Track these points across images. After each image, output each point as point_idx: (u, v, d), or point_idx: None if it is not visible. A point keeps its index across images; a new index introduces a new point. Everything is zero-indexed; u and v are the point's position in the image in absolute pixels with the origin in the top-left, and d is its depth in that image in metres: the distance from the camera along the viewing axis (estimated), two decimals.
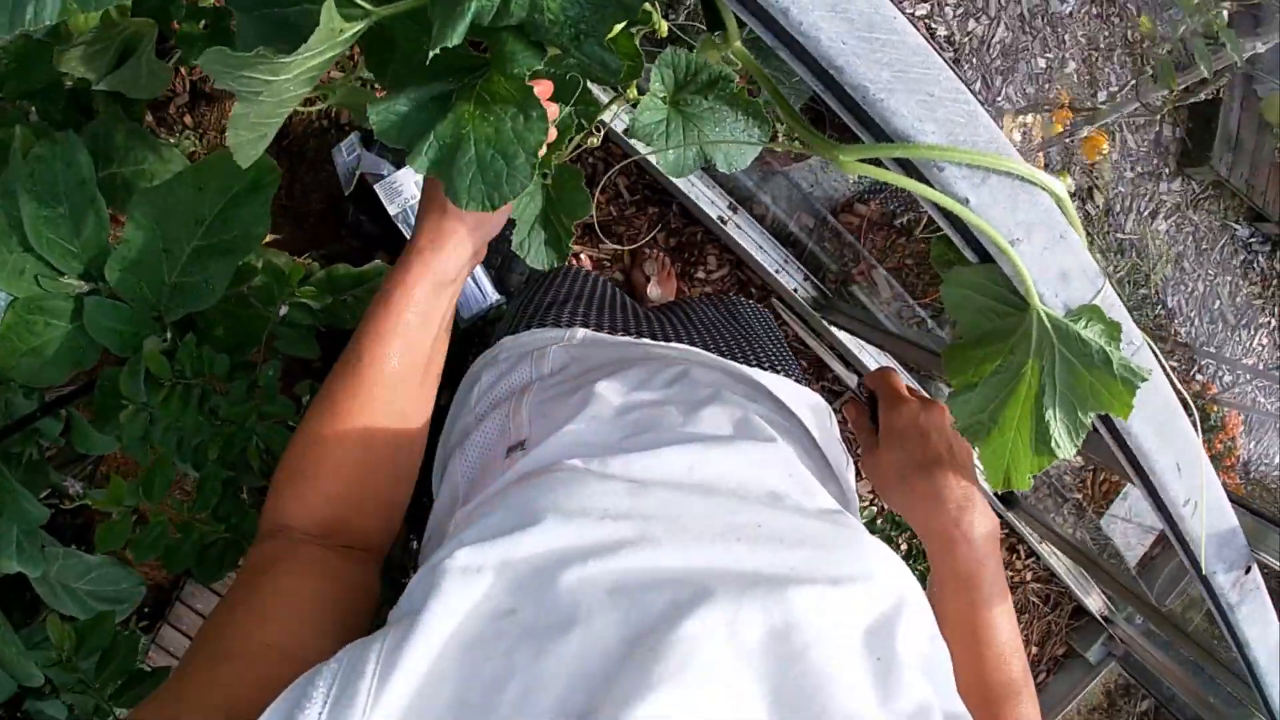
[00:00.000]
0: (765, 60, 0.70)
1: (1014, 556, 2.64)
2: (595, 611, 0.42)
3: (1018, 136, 2.12)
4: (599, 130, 0.73)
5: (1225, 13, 1.52)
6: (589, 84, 0.62)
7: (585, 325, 0.88)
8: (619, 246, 2.15)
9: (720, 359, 0.83)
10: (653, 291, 2.09)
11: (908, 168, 0.45)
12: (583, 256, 2.13)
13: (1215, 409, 2.74)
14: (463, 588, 0.43)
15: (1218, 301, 2.75)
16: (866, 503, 2.44)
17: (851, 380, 2.13)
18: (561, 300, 0.97)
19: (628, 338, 0.87)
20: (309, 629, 0.50)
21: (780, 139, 0.59)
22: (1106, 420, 0.53)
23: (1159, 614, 1.45)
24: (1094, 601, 2.47)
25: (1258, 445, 2.90)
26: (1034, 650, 2.78)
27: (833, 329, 1.87)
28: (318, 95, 0.97)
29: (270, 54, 0.42)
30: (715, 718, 0.37)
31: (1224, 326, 2.78)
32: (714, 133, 0.59)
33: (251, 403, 0.95)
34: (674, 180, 1.85)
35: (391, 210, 1.74)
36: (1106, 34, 2.43)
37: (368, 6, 0.45)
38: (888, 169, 0.46)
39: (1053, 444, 0.51)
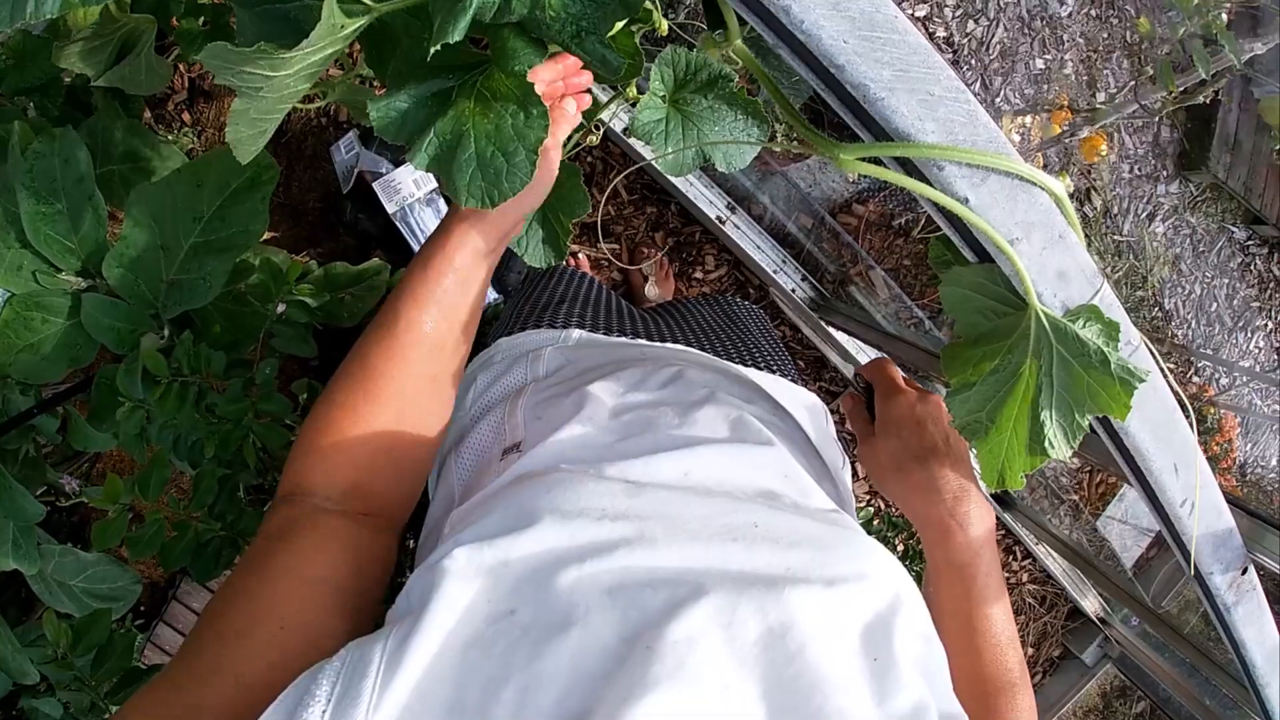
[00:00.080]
0: (765, 59, 0.70)
1: (1010, 557, 2.65)
2: (593, 611, 0.42)
3: (1016, 138, 2.12)
4: (598, 129, 0.73)
5: (1224, 15, 1.53)
6: None
7: (581, 326, 0.88)
8: (617, 246, 2.15)
9: (715, 359, 0.83)
10: (650, 291, 2.09)
11: (907, 167, 0.45)
12: (581, 256, 2.13)
13: (1212, 411, 2.74)
14: (462, 588, 0.43)
15: (1215, 304, 2.75)
16: (863, 503, 2.44)
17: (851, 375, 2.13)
18: (557, 301, 0.97)
19: (623, 339, 0.87)
20: (324, 606, 0.49)
21: (779, 138, 0.59)
22: (1104, 420, 0.53)
23: (1155, 616, 1.45)
24: (1090, 603, 2.47)
25: (1255, 447, 2.90)
26: (1030, 651, 2.78)
27: (830, 330, 1.87)
28: (317, 92, 0.97)
29: (271, 49, 0.42)
30: (712, 718, 0.37)
31: (1221, 329, 2.78)
32: (713, 132, 0.59)
33: (248, 400, 0.95)
34: (672, 180, 1.85)
35: (389, 208, 1.74)
36: (1105, 36, 2.43)
37: (369, 3, 0.45)
38: (887, 168, 0.46)
39: (1047, 444, 0.51)
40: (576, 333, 0.86)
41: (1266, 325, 2.85)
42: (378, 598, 0.56)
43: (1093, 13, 2.41)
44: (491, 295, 1.88)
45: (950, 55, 2.24)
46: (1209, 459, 0.65)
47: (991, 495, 1.68)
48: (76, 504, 1.35)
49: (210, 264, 0.84)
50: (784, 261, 1.93)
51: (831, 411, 0.88)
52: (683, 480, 0.56)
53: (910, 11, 2.19)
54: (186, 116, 1.91)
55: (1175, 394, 0.53)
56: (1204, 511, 0.58)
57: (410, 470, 0.63)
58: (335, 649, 0.41)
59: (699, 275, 2.20)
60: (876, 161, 0.46)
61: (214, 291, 0.85)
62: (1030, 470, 0.54)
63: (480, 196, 0.49)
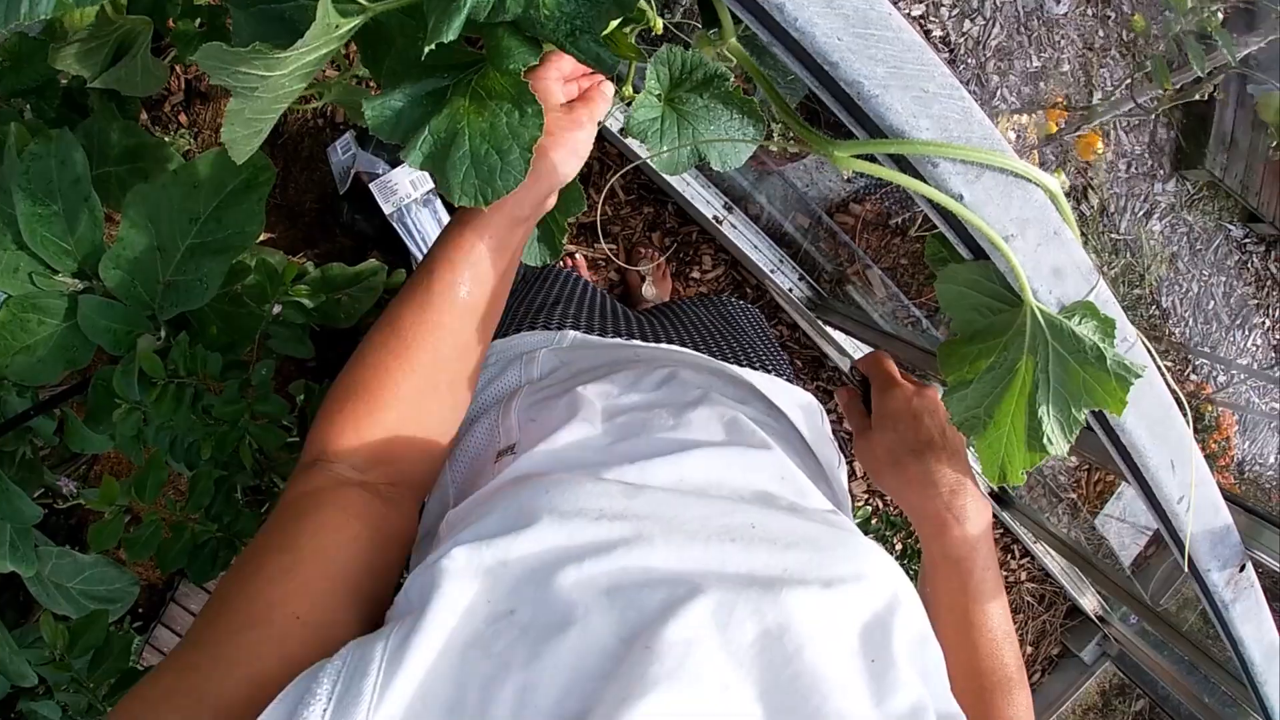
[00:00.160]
0: (760, 58, 0.70)
1: (1009, 556, 2.65)
2: (592, 611, 0.42)
3: (1013, 136, 2.12)
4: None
5: (1219, 12, 1.53)
6: None
7: (575, 328, 0.87)
8: (614, 245, 2.15)
9: (710, 360, 0.83)
10: (648, 291, 2.09)
11: (902, 164, 0.45)
12: (578, 256, 2.13)
13: (1210, 409, 2.75)
14: (462, 588, 0.43)
15: (1212, 302, 2.76)
16: (862, 501, 2.44)
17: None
18: (551, 302, 0.97)
19: (617, 340, 0.87)
20: (340, 590, 0.48)
21: (775, 137, 0.59)
22: (1100, 417, 0.53)
23: (1153, 613, 1.45)
24: (1089, 601, 2.47)
25: (1252, 445, 2.91)
26: (1029, 650, 2.79)
27: (828, 329, 1.87)
28: (313, 93, 0.97)
29: (266, 49, 0.42)
30: (711, 718, 0.37)
31: (1219, 326, 2.78)
32: (709, 131, 0.59)
33: (245, 402, 0.95)
34: (669, 179, 1.85)
35: (386, 209, 1.73)
36: (1101, 34, 2.43)
37: (364, 2, 0.45)
38: (882, 165, 0.46)
39: (1045, 440, 0.51)
40: (571, 334, 0.86)
41: (1264, 323, 2.85)
42: (394, 580, 0.54)
43: (1088, 11, 2.41)
44: None
45: (946, 54, 2.24)
46: (1207, 456, 0.65)
47: (989, 493, 1.68)
48: (74, 506, 1.35)
49: (207, 265, 0.84)
50: (781, 261, 1.93)
51: (828, 411, 0.88)
52: (678, 486, 0.56)
53: (906, 10, 2.19)
54: (183, 118, 1.91)
55: (1172, 390, 0.53)
56: (1201, 508, 0.58)
57: (434, 441, 0.61)
58: (346, 640, 0.41)
59: (696, 275, 2.20)
60: (872, 159, 0.46)
61: (210, 293, 0.85)
62: (1031, 466, 0.54)
63: (474, 194, 0.49)
